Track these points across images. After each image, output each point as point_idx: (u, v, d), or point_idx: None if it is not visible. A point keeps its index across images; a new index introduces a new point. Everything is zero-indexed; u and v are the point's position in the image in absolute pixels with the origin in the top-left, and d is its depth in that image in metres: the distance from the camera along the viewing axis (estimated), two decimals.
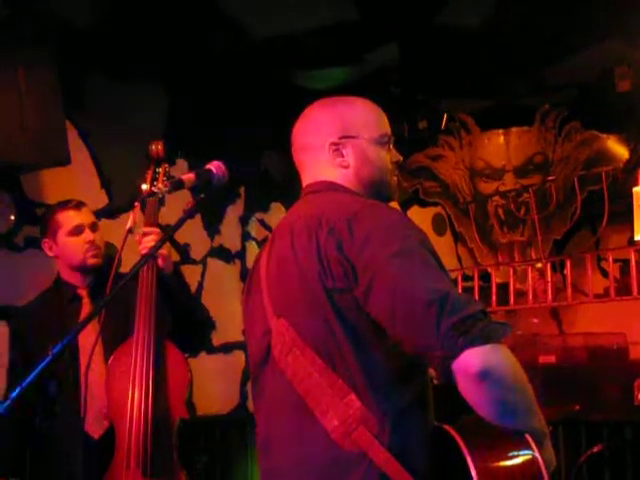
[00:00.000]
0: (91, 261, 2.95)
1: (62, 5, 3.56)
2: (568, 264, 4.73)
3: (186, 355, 2.88)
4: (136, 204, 1.95)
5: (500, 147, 5.49)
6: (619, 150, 5.32)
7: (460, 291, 1.66)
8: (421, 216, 5.77)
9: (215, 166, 1.93)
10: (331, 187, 1.87)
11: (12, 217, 3.92)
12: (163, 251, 2.85)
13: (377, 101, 1.98)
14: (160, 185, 1.85)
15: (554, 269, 4.97)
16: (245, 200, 5.01)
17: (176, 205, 2.97)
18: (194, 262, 4.69)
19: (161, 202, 2.92)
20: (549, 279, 4.80)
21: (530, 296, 4.88)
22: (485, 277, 5.21)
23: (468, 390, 1.55)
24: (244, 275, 4.91)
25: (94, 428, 2.76)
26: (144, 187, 2.83)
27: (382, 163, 1.91)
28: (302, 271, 1.72)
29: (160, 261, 2.82)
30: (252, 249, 4.99)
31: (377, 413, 1.61)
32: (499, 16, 3.94)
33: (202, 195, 1.88)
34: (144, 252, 2.73)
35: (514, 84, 4.95)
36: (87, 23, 3.77)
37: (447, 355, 1.51)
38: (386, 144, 1.92)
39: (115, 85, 4.31)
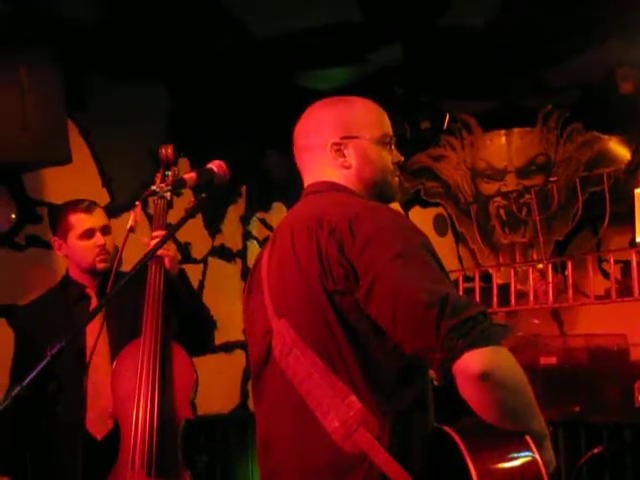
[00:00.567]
0: (100, 265, 2.93)
1: (64, 4, 3.56)
2: (569, 265, 4.73)
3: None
4: (137, 203, 1.95)
5: (502, 148, 5.49)
6: (621, 151, 5.32)
7: (461, 292, 1.66)
8: (422, 216, 5.77)
9: (217, 165, 1.93)
10: (332, 187, 1.87)
11: (13, 216, 3.92)
12: (170, 252, 2.86)
13: (380, 101, 1.98)
14: (162, 185, 1.85)
15: (555, 270, 4.97)
16: (246, 199, 5.01)
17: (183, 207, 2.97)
18: (195, 261, 4.70)
19: (169, 205, 2.91)
20: (550, 280, 4.79)
21: (531, 297, 4.88)
22: (486, 278, 5.21)
23: (468, 392, 1.55)
24: (245, 274, 4.91)
25: (97, 428, 2.75)
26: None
27: (384, 163, 1.90)
28: (303, 272, 1.72)
29: (167, 262, 2.83)
30: (253, 248, 5.00)
31: (377, 414, 1.61)
32: (502, 17, 3.94)
33: (204, 194, 1.88)
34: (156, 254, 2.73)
35: (516, 85, 4.95)
36: (89, 22, 3.77)
37: (447, 357, 1.51)
38: (388, 144, 1.92)
39: (117, 84, 4.31)
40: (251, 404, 4.68)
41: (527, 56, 4.49)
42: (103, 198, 4.28)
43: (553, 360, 4.54)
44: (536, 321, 5.44)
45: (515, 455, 1.57)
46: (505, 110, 5.38)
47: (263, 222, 5.10)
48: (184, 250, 4.59)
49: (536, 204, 5.10)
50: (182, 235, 4.56)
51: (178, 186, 1.85)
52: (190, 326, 2.89)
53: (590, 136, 5.39)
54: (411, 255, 1.63)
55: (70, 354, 2.71)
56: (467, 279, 5.24)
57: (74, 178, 4.02)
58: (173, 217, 2.99)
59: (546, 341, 4.93)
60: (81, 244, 2.92)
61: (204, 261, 4.77)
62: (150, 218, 3.10)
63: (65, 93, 3.52)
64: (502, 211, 5.55)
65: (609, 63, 4.47)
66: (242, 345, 4.79)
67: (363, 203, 1.79)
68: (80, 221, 2.91)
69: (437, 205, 5.91)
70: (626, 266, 4.79)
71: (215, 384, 4.50)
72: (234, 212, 4.95)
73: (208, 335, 3.02)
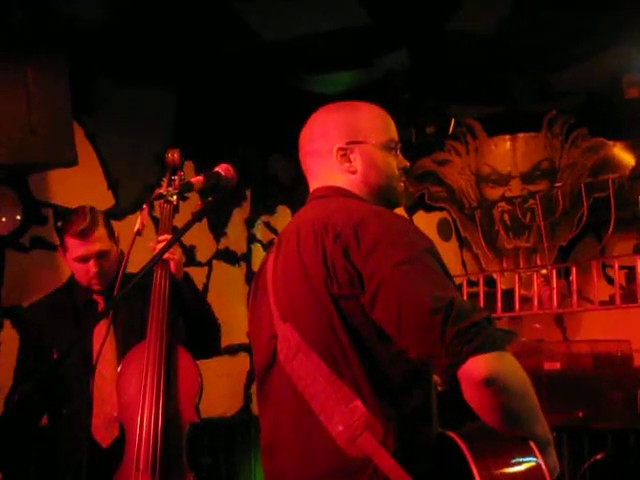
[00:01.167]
0: (96, 287, 2.91)
1: (72, 7, 3.58)
2: (574, 271, 4.73)
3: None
4: (144, 206, 1.94)
5: (507, 153, 5.49)
6: (626, 157, 5.31)
7: (465, 297, 1.67)
8: (426, 221, 5.77)
9: (224, 169, 1.93)
10: (338, 192, 1.87)
11: (18, 217, 3.93)
12: (176, 256, 2.85)
13: (385, 106, 1.98)
14: (169, 188, 1.85)
15: (559, 276, 4.96)
16: (251, 202, 5.02)
17: (188, 211, 2.98)
18: (200, 264, 4.71)
19: (176, 209, 2.91)
20: (554, 286, 4.79)
21: (535, 302, 4.87)
22: (490, 283, 5.21)
23: (473, 397, 1.55)
24: (249, 277, 4.92)
25: (103, 436, 2.74)
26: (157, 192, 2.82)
27: (389, 169, 1.91)
28: (308, 276, 1.72)
29: (173, 266, 2.83)
30: (258, 252, 5.00)
31: (382, 419, 1.62)
32: (508, 22, 3.94)
33: (210, 198, 1.88)
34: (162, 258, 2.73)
35: (521, 90, 4.95)
36: (96, 26, 3.79)
37: (452, 362, 1.52)
38: (393, 150, 1.93)
39: (123, 88, 4.33)
40: (254, 407, 4.68)
41: (532, 61, 4.49)
42: (108, 200, 4.30)
43: (557, 366, 4.54)
44: (537, 325, 5.43)
45: (519, 460, 1.58)
46: (510, 115, 5.38)
47: (268, 225, 5.11)
48: (189, 253, 4.60)
49: (541, 209, 5.10)
50: (187, 238, 4.57)
51: (185, 189, 1.84)
52: (197, 330, 2.89)
53: (595, 142, 5.38)
54: (416, 261, 1.63)
55: (77, 359, 2.72)
56: (471, 284, 5.24)
57: (80, 180, 4.04)
58: (179, 221, 3.00)
59: (550, 347, 4.93)
60: (77, 266, 2.89)
61: (209, 264, 4.78)
62: (156, 222, 3.10)
63: (72, 96, 3.53)
64: (506, 216, 5.55)
65: (615, 69, 4.47)
66: (246, 348, 4.80)
67: (368, 208, 1.79)
68: (75, 246, 2.85)
69: (441, 210, 5.91)
70: (630, 272, 4.79)
71: (219, 387, 4.51)
72: (239, 215, 4.96)
73: (215, 338, 3.02)
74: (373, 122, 1.93)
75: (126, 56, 4.13)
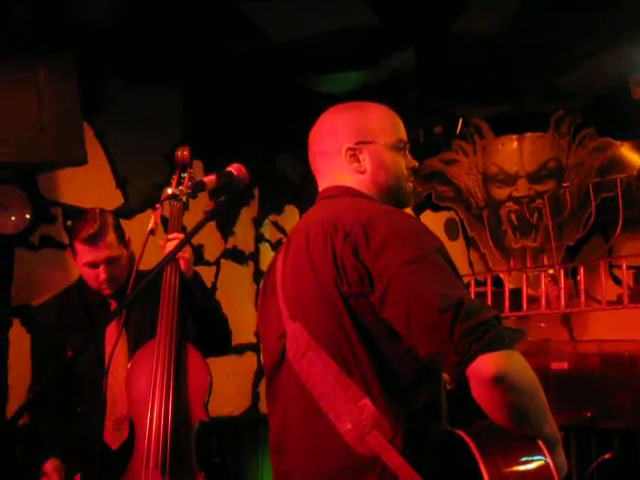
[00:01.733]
0: (106, 292, 2.90)
1: (81, 7, 3.59)
2: (581, 271, 4.73)
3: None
4: (157, 206, 1.95)
5: (514, 152, 5.49)
6: (633, 157, 5.30)
7: (473, 296, 1.67)
8: (434, 220, 5.77)
9: (236, 169, 1.94)
10: (347, 192, 1.88)
11: (27, 216, 3.94)
12: (186, 254, 2.85)
13: (393, 106, 1.99)
14: (181, 188, 1.86)
15: (566, 275, 4.96)
16: (259, 202, 5.03)
17: (197, 209, 2.99)
18: (208, 263, 4.72)
19: (185, 207, 2.91)
20: (562, 285, 4.79)
21: (543, 302, 4.87)
22: (497, 282, 5.21)
23: (482, 395, 1.56)
24: (257, 277, 4.93)
25: (113, 438, 2.75)
26: (169, 192, 2.82)
27: (398, 169, 1.92)
28: (318, 275, 1.73)
29: (183, 264, 2.83)
30: (265, 251, 5.01)
31: (390, 417, 1.62)
32: (515, 22, 3.94)
33: (222, 197, 1.88)
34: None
35: (529, 90, 4.95)
36: (105, 25, 3.80)
37: (461, 361, 1.52)
38: (402, 150, 1.94)
39: (132, 87, 4.34)
40: (262, 406, 4.69)
41: (540, 61, 4.49)
42: (117, 199, 4.31)
43: (564, 365, 4.54)
44: (543, 325, 5.42)
45: (527, 459, 1.58)
46: (517, 115, 5.38)
47: (275, 225, 5.11)
48: (197, 252, 4.60)
49: (549, 209, 5.10)
50: (195, 237, 4.56)
51: (198, 189, 1.85)
52: (207, 328, 2.89)
53: (602, 142, 5.37)
54: (425, 260, 1.64)
55: (91, 357, 2.73)
56: (478, 284, 5.24)
57: (88, 179, 4.05)
58: (187, 219, 3.01)
59: (557, 346, 4.93)
60: (86, 270, 2.87)
61: (217, 263, 4.79)
62: (164, 220, 3.10)
63: (81, 95, 3.54)
64: (513, 216, 5.54)
65: (622, 69, 4.46)
66: (253, 347, 4.81)
67: (377, 207, 1.80)
68: (84, 252, 2.83)
69: (448, 209, 5.91)
70: (638, 272, 4.78)
71: (227, 386, 4.51)
72: (247, 214, 4.97)
73: (225, 336, 3.02)
74: (382, 122, 1.94)
75: (134, 55, 4.14)
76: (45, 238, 3.99)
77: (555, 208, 5.29)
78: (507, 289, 4.98)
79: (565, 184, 5.21)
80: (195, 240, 4.61)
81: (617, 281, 5.36)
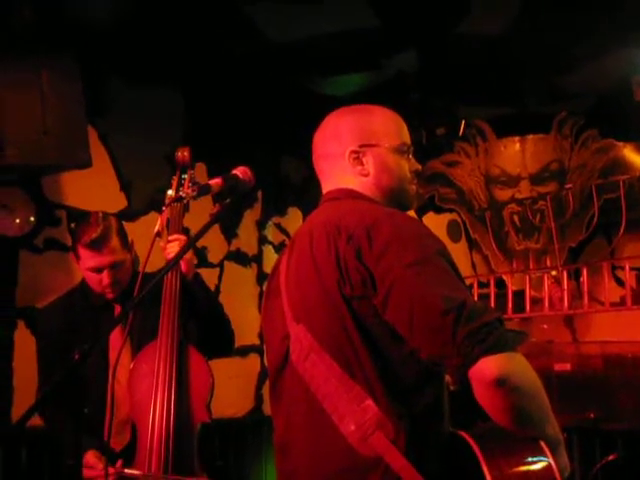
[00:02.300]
0: (109, 296, 2.89)
1: (82, 8, 3.61)
2: (584, 272, 4.73)
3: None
4: (164, 209, 1.96)
5: (516, 154, 5.49)
6: (636, 159, 5.31)
7: (476, 298, 1.68)
8: (436, 222, 5.78)
9: (241, 171, 1.94)
10: (351, 195, 1.89)
11: (32, 218, 3.95)
12: (187, 256, 2.84)
13: (395, 107, 2.00)
14: (188, 190, 1.86)
15: (569, 277, 4.97)
16: (262, 204, 5.04)
17: (198, 210, 2.99)
18: (211, 265, 4.73)
19: (186, 208, 2.92)
20: (565, 287, 4.79)
21: (546, 304, 4.88)
22: (499, 284, 5.22)
23: (484, 397, 1.56)
24: (261, 279, 4.94)
25: (116, 440, 2.74)
26: (169, 193, 2.81)
27: (401, 172, 1.92)
28: (321, 278, 1.74)
29: (184, 266, 2.83)
30: (269, 253, 5.02)
31: (393, 418, 1.63)
32: (517, 24, 3.95)
33: (228, 200, 1.89)
34: (169, 258, 2.75)
35: (531, 91, 4.96)
36: (109, 27, 3.82)
37: (463, 363, 1.53)
38: (405, 153, 1.94)
39: (135, 89, 4.35)
40: (266, 408, 4.70)
41: (542, 63, 4.50)
42: (120, 202, 4.32)
43: (567, 367, 4.55)
44: (545, 326, 5.43)
45: (530, 460, 1.59)
46: (519, 117, 5.39)
47: (279, 227, 5.12)
48: (200, 254, 4.62)
49: (552, 211, 5.10)
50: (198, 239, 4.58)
51: (204, 192, 1.85)
52: (210, 328, 2.89)
53: (605, 143, 5.38)
54: (428, 262, 1.64)
55: (96, 360, 2.73)
56: (481, 285, 5.25)
57: (92, 182, 4.06)
58: (187, 221, 3.01)
59: (560, 348, 4.94)
60: (90, 275, 2.86)
61: (220, 265, 4.80)
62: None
63: (85, 97, 3.55)
64: (516, 217, 5.55)
65: (624, 70, 4.46)
66: (257, 349, 4.82)
67: (381, 210, 1.80)
68: (87, 257, 2.81)
69: (451, 211, 5.92)
70: None
71: (230, 388, 4.52)
72: (250, 217, 4.98)
73: (229, 336, 3.01)
74: (386, 125, 1.94)
75: (136, 57, 4.16)
76: (49, 240, 4.01)
77: (558, 210, 5.29)
78: (510, 291, 4.99)
79: (567, 186, 5.21)
80: (199, 242, 4.61)
81: (620, 282, 5.36)
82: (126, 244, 2.90)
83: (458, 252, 5.80)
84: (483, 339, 1.52)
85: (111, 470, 2.60)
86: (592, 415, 4.25)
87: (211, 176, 1.90)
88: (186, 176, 2.92)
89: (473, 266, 5.95)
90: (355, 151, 1.90)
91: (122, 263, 2.85)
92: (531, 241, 5.55)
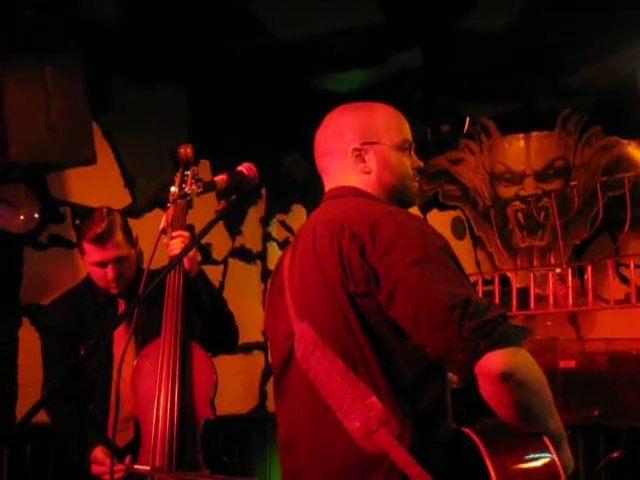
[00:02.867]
0: (114, 291, 2.92)
1: (89, 7, 3.61)
2: (589, 269, 4.73)
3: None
4: (169, 205, 1.96)
5: (520, 151, 5.48)
6: None
7: (480, 295, 1.68)
8: (440, 219, 5.77)
9: (246, 168, 1.95)
10: (353, 192, 1.89)
11: (36, 215, 3.96)
12: (190, 253, 2.86)
13: (398, 104, 2.00)
14: (193, 187, 1.86)
15: (574, 274, 4.96)
16: (266, 201, 5.04)
17: (201, 207, 2.99)
18: (215, 262, 4.73)
19: (189, 205, 2.92)
20: (569, 284, 4.79)
21: (551, 301, 4.87)
22: (504, 282, 5.21)
23: (489, 392, 1.57)
24: (265, 276, 4.94)
25: (119, 437, 2.75)
26: (172, 190, 2.82)
27: (403, 169, 1.93)
28: (324, 275, 1.74)
29: (187, 262, 2.84)
30: (273, 250, 5.03)
31: (398, 415, 1.63)
32: (522, 22, 3.94)
33: (233, 196, 1.89)
34: (172, 254, 2.76)
35: (535, 88, 4.95)
36: (112, 25, 3.82)
37: (469, 358, 1.53)
38: (407, 150, 1.95)
39: (139, 86, 4.36)
40: (270, 405, 4.70)
41: (546, 60, 4.49)
42: (125, 199, 4.33)
43: (572, 364, 4.54)
44: (549, 323, 5.43)
45: (534, 456, 1.59)
46: (524, 114, 5.38)
47: (283, 224, 5.13)
48: (205, 251, 4.62)
49: (556, 208, 5.09)
50: None
51: (209, 189, 1.86)
52: (214, 325, 2.90)
53: (609, 140, 5.37)
54: (431, 259, 1.65)
55: (99, 359, 2.74)
56: (485, 282, 5.25)
57: (97, 178, 4.06)
58: (190, 217, 3.01)
59: (565, 345, 4.93)
60: (94, 269, 2.89)
61: (224, 262, 4.80)
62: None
63: (89, 95, 3.55)
64: (520, 215, 5.54)
65: (629, 67, 4.45)
66: (261, 346, 4.82)
67: (383, 208, 1.81)
68: (92, 252, 2.84)
69: (455, 208, 5.91)
70: None
71: (234, 385, 4.53)
72: (254, 214, 4.98)
73: (233, 332, 3.02)
74: (387, 123, 1.94)
75: (142, 55, 4.16)
76: (54, 237, 4.01)
77: (562, 207, 5.29)
78: (514, 288, 4.99)
79: (572, 183, 5.21)
80: (203, 239, 4.63)
81: (624, 280, 5.35)
82: (130, 239, 2.93)
83: (462, 249, 5.79)
84: (489, 334, 1.53)
85: (121, 466, 2.61)
86: (597, 412, 4.25)
87: (215, 173, 1.90)
88: (189, 173, 2.93)
89: (477, 263, 5.95)
90: (357, 149, 1.90)
91: (126, 258, 2.88)
92: (535, 238, 5.54)
